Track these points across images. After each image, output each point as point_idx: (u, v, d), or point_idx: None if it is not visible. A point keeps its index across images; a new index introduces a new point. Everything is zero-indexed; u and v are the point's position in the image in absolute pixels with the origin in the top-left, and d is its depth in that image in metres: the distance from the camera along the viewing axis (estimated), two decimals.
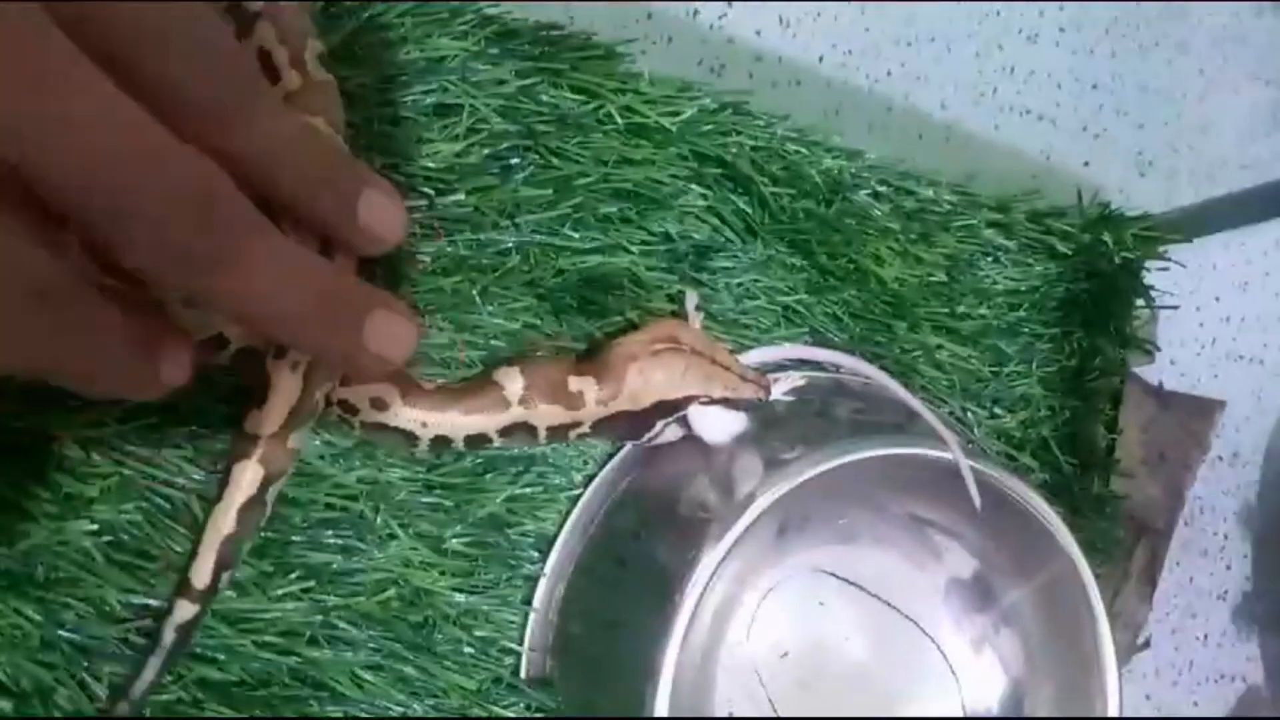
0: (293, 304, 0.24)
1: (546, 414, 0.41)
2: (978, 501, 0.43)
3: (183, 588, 0.35)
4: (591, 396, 0.41)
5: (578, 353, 0.46)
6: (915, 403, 0.47)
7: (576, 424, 0.42)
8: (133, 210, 0.19)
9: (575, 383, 0.41)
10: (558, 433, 0.42)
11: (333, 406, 0.38)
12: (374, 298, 0.26)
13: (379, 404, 0.38)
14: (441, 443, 0.40)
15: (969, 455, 0.44)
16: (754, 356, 0.48)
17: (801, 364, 0.51)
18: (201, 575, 0.35)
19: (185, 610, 0.35)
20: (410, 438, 0.39)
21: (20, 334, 0.20)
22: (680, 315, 0.47)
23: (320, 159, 0.26)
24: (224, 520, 0.35)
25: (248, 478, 0.34)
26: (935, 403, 0.56)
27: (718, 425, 0.44)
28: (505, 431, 0.41)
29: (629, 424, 0.43)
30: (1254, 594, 0.80)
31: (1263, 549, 0.80)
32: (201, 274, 0.22)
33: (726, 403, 0.43)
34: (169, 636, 0.35)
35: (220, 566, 0.35)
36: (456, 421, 0.40)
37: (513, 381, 0.41)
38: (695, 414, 0.43)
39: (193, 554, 0.35)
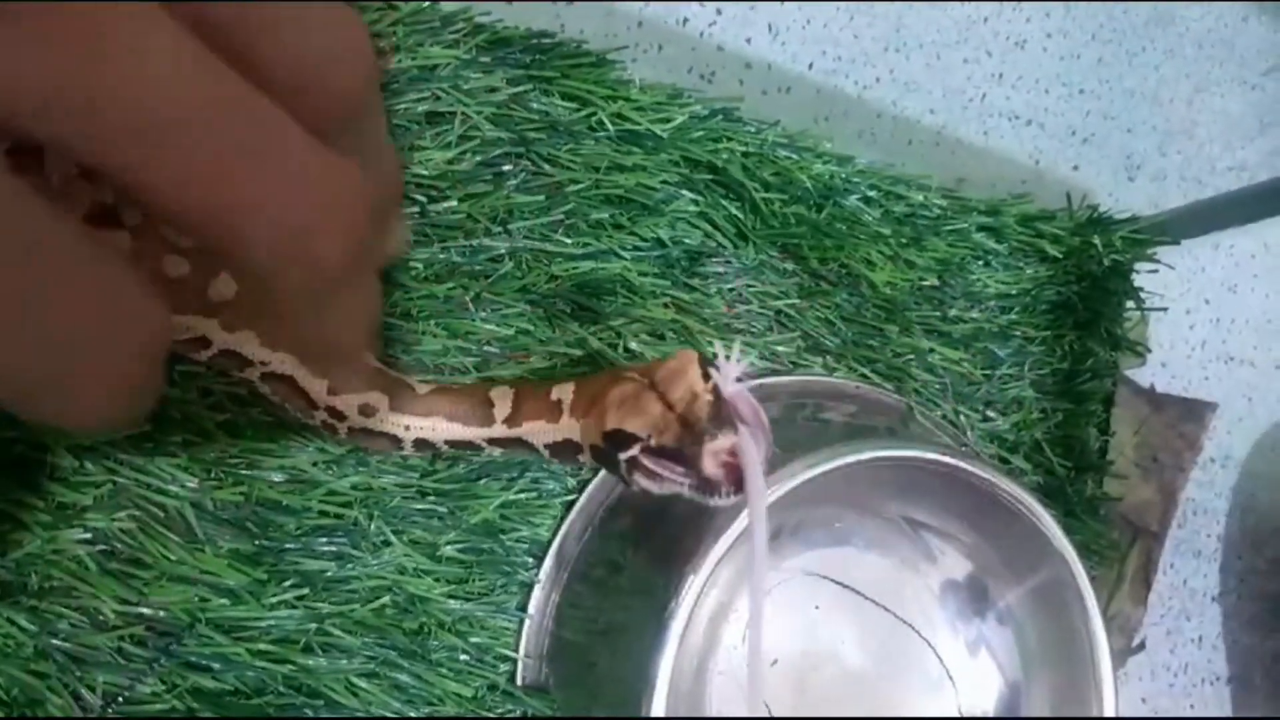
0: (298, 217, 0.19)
1: (534, 429, 0.38)
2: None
3: None
4: (566, 403, 0.38)
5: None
6: None
7: (569, 443, 0.38)
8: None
9: (556, 391, 0.38)
10: (558, 451, 0.39)
11: (321, 411, 0.38)
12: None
13: (367, 410, 0.38)
14: (462, 446, 0.39)
15: (963, 459, 0.44)
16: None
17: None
18: None
19: None
20: (396, 441, 0.39)
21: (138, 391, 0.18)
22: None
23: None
24: None
25: None
26: (928, 406, 0.56)
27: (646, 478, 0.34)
28: (498, 442, 0.39)
29: (603, 457, 0.36)
30: (1244, 595, 0.80)
31: (1249, 550, 0.80)
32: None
33: (664, 453, 0.33)
34: None
35: None
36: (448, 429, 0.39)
37: (503, 398, 0.39)
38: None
39: None
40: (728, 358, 0.33)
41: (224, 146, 0.17)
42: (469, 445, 0.40)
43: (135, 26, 0.16)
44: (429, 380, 0.41)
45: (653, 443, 0.33)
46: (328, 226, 0.19)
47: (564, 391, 0.38)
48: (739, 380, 0.33)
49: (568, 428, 0.38)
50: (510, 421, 0.39)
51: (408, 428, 0.38)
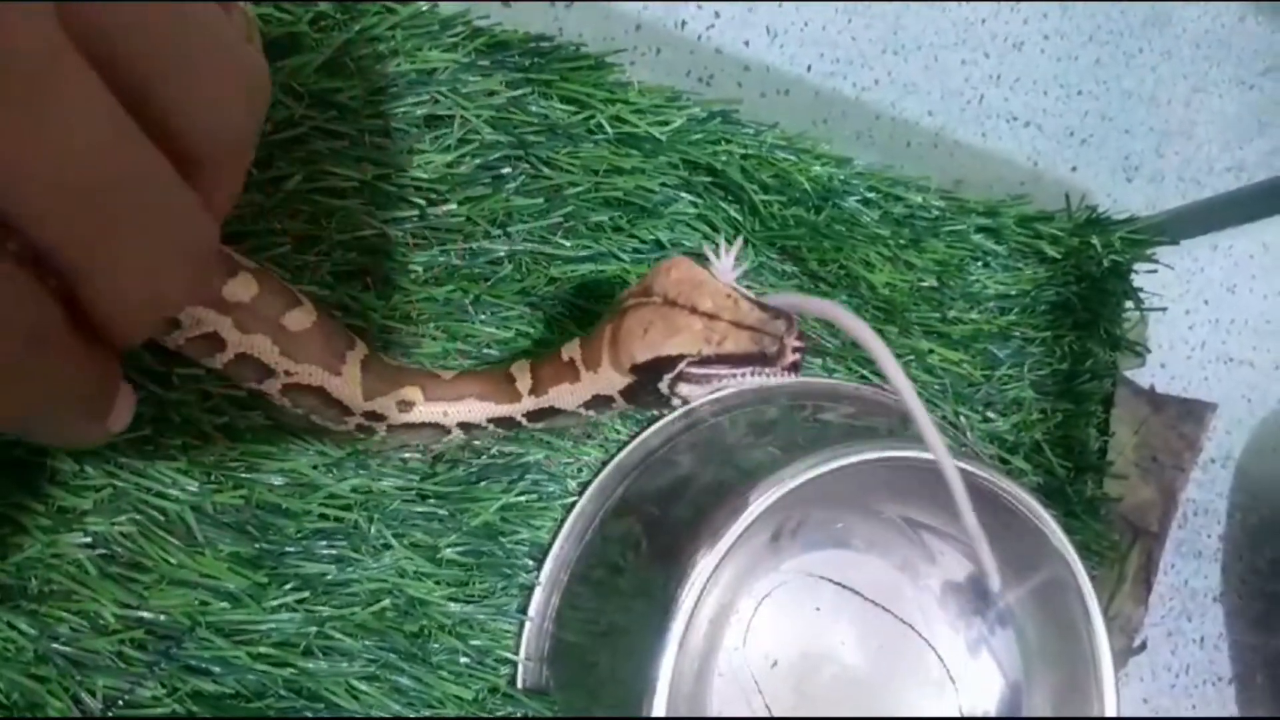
0: None
1: (560, 393, 0.38)
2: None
3: None
4: (579, 360, 0.38)
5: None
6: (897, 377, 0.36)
7: (599, 398, 0.38)
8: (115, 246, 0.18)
9: (566, 351, 0.38)
10: (593, 406, 0.39)
11: (356, 416, 0.38)
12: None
13: (404, 405, 0.38)
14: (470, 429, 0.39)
15: (964, 459, 0.44)
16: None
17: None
18: None
19: None
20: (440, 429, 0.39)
21: (18, 378, 0.19)
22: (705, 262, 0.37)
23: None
24: None
25: None
26: (928, 407, 0.56)
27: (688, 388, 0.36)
28: (534, 415, 0.40)
29: (635, 393, 0.38)
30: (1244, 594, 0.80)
31: (1250, 550, 0.80)
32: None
33: (722, 360, 0.34)
34: None
35: None
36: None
37: (522, 371, 0.40)
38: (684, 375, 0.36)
39: None
40: (715, 251, 0.35)
41: (127, 215, 0.18)
42: (509, 421, 0.40)
43: (76, 93, 0.17)
44: (449, 369, 0.41)
45: (707, 354, 0.34)
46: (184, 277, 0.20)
47: (573, 350, 0.38)
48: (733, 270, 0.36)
49: (590, 382, 0.38)
50: (536, 392, 0.39)
51: (446, 413, 0.39)
